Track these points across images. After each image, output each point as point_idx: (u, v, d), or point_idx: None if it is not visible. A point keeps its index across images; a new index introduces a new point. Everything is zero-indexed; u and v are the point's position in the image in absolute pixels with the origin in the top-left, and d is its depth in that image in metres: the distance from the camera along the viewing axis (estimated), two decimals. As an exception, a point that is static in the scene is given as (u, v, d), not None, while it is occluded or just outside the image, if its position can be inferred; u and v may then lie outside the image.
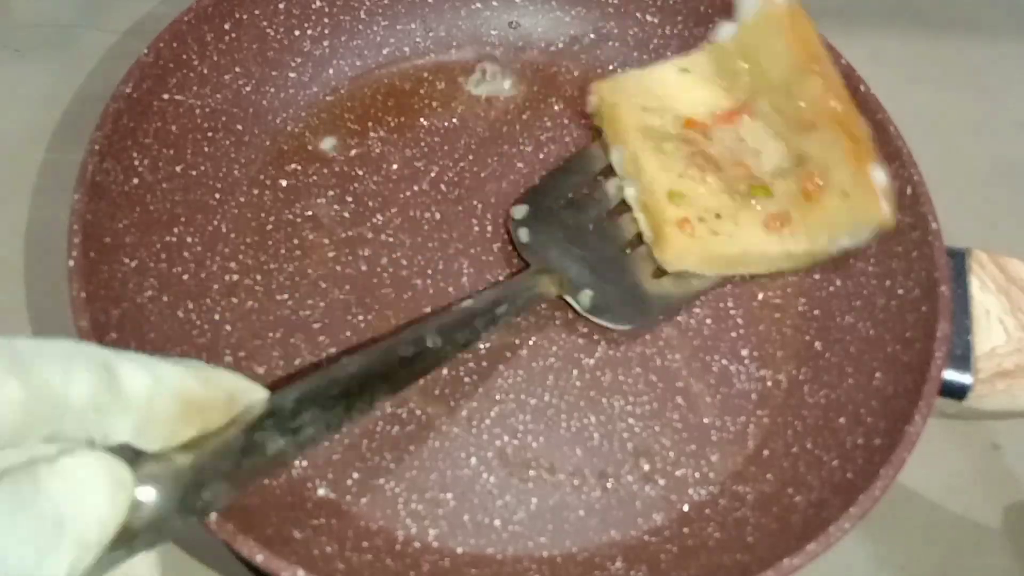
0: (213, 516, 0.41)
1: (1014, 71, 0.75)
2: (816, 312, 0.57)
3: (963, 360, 0.52)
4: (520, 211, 0.58)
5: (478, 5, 0.67)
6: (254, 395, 0.37)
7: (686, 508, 0.51)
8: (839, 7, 0.70)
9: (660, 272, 0.57)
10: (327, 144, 0.61)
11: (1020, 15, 0.78)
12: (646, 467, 0.52)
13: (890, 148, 0.56)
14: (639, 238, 0.58)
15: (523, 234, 0.57)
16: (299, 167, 0.60)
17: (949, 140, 0.70)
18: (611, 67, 0.66)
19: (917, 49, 0.75)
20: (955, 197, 0.58)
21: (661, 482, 0.52)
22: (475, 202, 0.60)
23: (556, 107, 0.65)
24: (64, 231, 0.48)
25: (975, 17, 0.78)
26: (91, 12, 0.70)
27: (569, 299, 0.55)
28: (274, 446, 0.36)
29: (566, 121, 0.64)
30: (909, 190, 0.55)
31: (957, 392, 0.52)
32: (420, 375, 0.46)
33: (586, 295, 0.55)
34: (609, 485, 0.51)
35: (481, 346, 0.54)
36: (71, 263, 0.47)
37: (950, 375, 0.51)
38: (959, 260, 0.55)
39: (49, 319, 0.57)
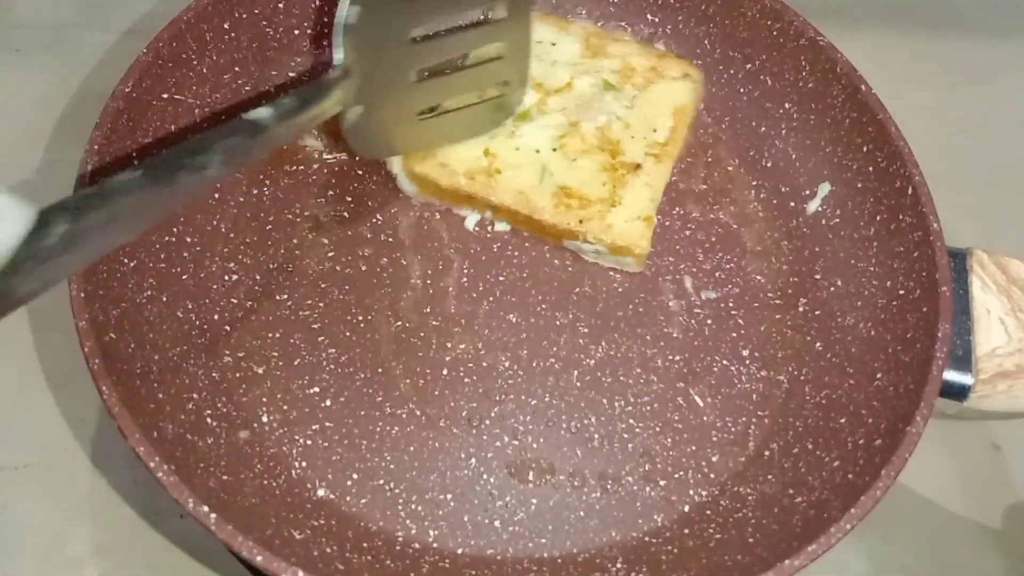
0: (212, 517, 0.41)
1: (1014, 71, 0.75)
2: (817, 312, 0.57)
3: (964, 361, 0.52)
4: None
5: (478, 4, 0.67)
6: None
7: (687, 509, 0.51)
8: (839, 7, 0.70)
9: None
10: (327, 143, 0.61)
11: (1020, 15, 0.78)
12: (647, 468, 0.52)
13: (891, 148, 0.56)
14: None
15: (353, 14, 0.50)
16: (298, 167, 0.60)
17: (949, 140, 0.70)
18: (611, 67, 0.66)
19: (917, 49, 0.75)
20: (955, 197, 0.57)
21: (662, 483, 0.52)
22: (475, 202, 0.60)
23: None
24: None
25: (975, 17, 0.78)
26: (91, 12, 0.70)
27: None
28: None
29: (566, 121, 0.64)
30: (910, 190, 0.55)
31: (958, 393, 0.51)
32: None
33: (355, 111, 0.52)
34: (609, 486, 0.51)
35: (480, 344, 0.55)
36: (70, 263, 0.47)
37: (951, 375, 0.51)
38: (960, 260, 0.55)
39: (49, 318, 0.57)
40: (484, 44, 0.57)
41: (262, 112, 0.45)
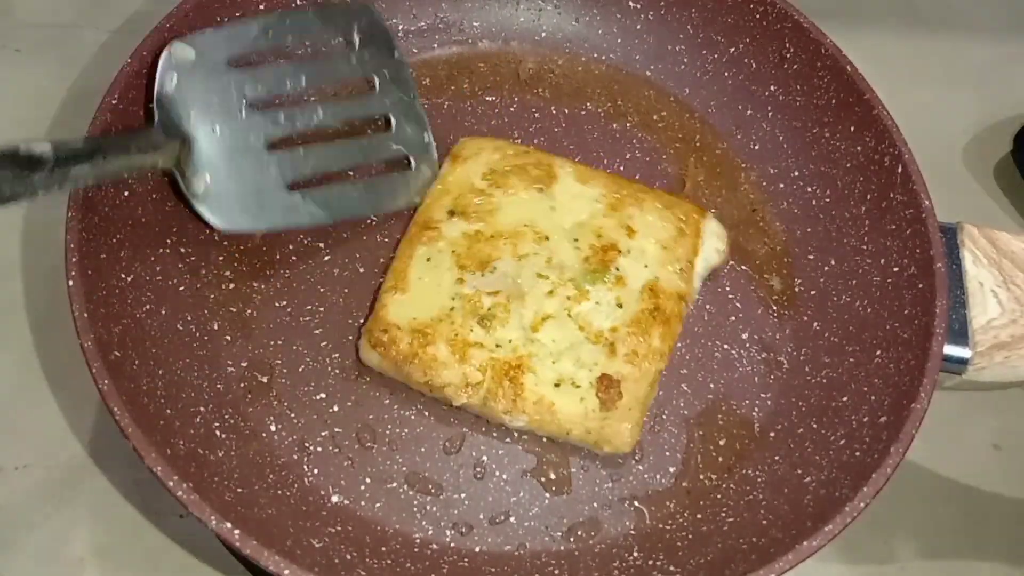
0: (236, 533, 0.41)
1: (1014, 71, 0.76)
2: (812, 292, 0.58)
3: (960, 334, 0.53)
4: (183, 50, 0.51)
5: (458, -3, 0.66)
6: None
7: (698, 493, 0.52)
8: (839, 7, 0.70)
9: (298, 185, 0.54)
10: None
11: (1020, 15, 0.79)
12: (656, 455, 0.52)
13: (878, 127, 0.57)
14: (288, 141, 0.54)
15: (169, 81, 0.51)
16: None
17: (949, 140, 0.71)
18: (595, 55, 0.66)
19: (917, 49, 0.76)
20: (955, 196, 0.58)
21: (671, 469, 0.52)
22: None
23: (542, 96, 0.64)
24: (60, 231, 0.47)
25: (975, 17, 0.78)
26: (92, 11, 0.69)
27: (178, 175, 0.51)
28: None
29: (553, 111, 0.64)
30: (900, 168, 0.56)
31: (956, 365, 0.52)
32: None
33: (202, 179, 0.51)
34: (621, 475, 0.52)
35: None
36: (70, 282, 0.46)
37: (949, 349, 0.52)
38: (951, 235, 0.56)
39: (47, 317, 0.56)
40: (356, 111, 0.57)
41: (41, 147, 0.43)
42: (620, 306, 0.53)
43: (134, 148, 0.48)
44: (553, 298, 0.53)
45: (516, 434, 0.52)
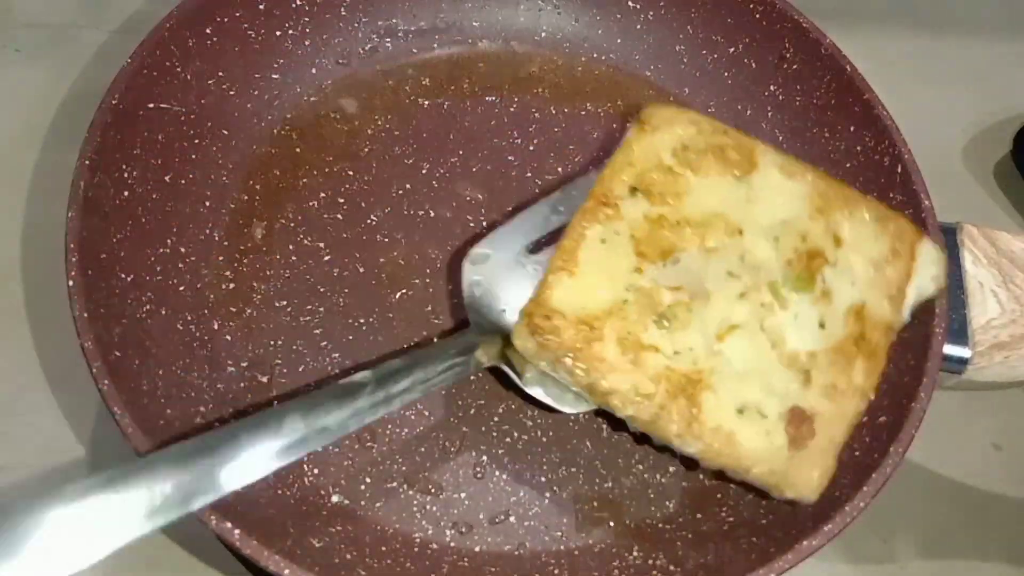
0: (236, 533, 0.41)
1: (1014, 71, 0.76)
2: (812, 292, 0.58)
3: (960, 334, 0.53)
4: (480, 254, 0.53)
5: (458, -3, 0.66)
6: None
7: (698, 493, 0.51)
8: (839, 7, 0.70)
9: None
10: (315, 145, 0.60)
11: (1020, 15, 0.79)
12: (656, 455, 0.52)
13: (878, 127, 0.57)
14: None
15: (475, 285, 0.52)
16: (288, 170, 0.59)
17: (949, 140, 0.71)
18: (595, 55, 0.66)
19: (917, 49, 0.76)
20: (955, 196, 0.58)
21: (671, 468, 0.52)
22: (468, 196, 0.60)
23: (542, 96, 0.64)
24: (60, 230, 0.47)
25: (975, 17, 0.78)
26: (92, 11, 0.69)
27: (507, 368, 0.49)
28: None
29: (552, 111, 0.64)
30: (899, 168, 0.56)
31: (956, 365, 0.53)
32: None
33: (531, 367, 0.49)
34: (621, 475, 0.52)
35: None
36: (70, 282, 0.46)
37: (949, 349, 0.52)
38: (951, 235, 0.56)
39: (47, 317, 0.56)
40: None
41: (361, 376, 0.44)
42: (823, 326, 0.46)
43: (454, 353, 0.48)
44: (744, 303, 0.46)
45: (516, 434, 0.52)
